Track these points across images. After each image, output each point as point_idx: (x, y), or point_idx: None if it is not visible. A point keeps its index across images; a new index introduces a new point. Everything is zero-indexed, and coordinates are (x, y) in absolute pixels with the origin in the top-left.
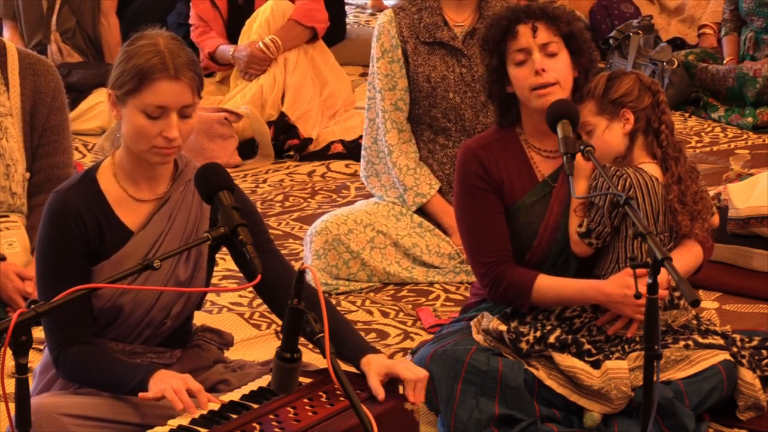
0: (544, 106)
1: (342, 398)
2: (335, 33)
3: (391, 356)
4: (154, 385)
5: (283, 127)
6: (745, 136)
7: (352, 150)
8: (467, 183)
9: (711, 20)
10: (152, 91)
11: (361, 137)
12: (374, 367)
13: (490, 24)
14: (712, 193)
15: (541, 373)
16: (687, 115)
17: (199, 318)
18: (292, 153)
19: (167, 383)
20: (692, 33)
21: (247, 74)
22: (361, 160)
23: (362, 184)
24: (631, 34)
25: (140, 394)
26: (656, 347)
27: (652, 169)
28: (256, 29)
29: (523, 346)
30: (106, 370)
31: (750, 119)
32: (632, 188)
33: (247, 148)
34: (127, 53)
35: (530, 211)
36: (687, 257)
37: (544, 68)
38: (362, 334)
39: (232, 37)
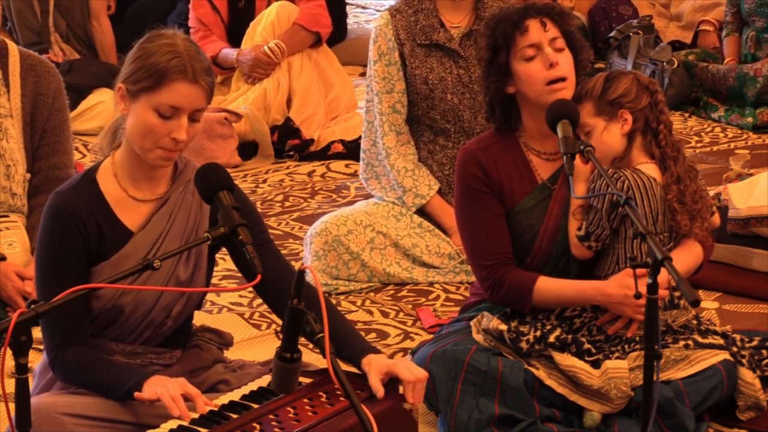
0: None
1: (342, 398)
2: (336, 33)
3: (391, 356)
4: (148, 388)
5: (287, 132)
6: (745, 136)
7: (352, 150)
8: (467, 186)
9: (713, 17)
10: (169, 91)
11: (361, 137)
12: (375, 366)
13: (497, 21)
14: (712, 193)
15: (541, 373)
16: (687, 115)
17: (199, 318)
18: (292, 153)
19: (164, 387)
20: (690, 35)
21: (251, 78)
22: (361, 162)
23: (363, 183)
24: (631, 34)
25: (136, 394)
26: (656, 347)
27: (651, 169)
28: (260, 32)
29: (523, 345)
30: (102, 373)
31: (750, 119)
32: (630, 190)
33: (248, 149)
34: (146, 50)
35: (530, 214)
36: (687, 257)
37: (558, 61)
38: (362, 334)
39: (233, 40)
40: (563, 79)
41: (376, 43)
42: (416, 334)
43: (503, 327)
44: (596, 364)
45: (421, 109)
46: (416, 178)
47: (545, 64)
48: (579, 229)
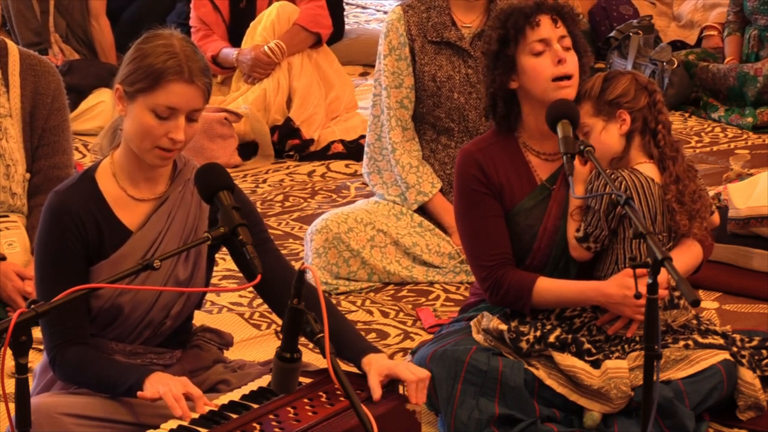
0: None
1: (342, 398)
2: (333, 33)
3: (391, 356)
4: (151, 386)
5: (288, 132)
6: (745, 136)
7: (352, 150)
8: (467, 187)
9: (715, 21)
10: (165, 92)
11: (361, 137)
12: (375, 367)
13: (508, 14)
14: (712, 193)
15: (541, 373)
16: (687, 115)
17: (199, 318)
18: (292, 153)
19: (167, 386)
20: (692, 35)
21: (251, 78)
22: (364, 156)
23: (362, 184)
24: (631, 34)
25: (138, 393)
26: (656, 347)
27: (649, 169)
28: (260, 32)
29: (523, 345)
30: (102, 371)
31: (750, 119)
32: (627, 190)
33: (248, 149)
34: (142, 51)
35: (529, 215)
36: (686, 256)
37: (566, 59)
38: (362, 334)
39: (234, 40)
40: (569, 77)
41: (387, 37)
42: (416, 334)
43: (503, 327)
44: (596, 364)
45: (427, 107)
46: (420, 175)
47: (553, 60)
48: (577, 230)
